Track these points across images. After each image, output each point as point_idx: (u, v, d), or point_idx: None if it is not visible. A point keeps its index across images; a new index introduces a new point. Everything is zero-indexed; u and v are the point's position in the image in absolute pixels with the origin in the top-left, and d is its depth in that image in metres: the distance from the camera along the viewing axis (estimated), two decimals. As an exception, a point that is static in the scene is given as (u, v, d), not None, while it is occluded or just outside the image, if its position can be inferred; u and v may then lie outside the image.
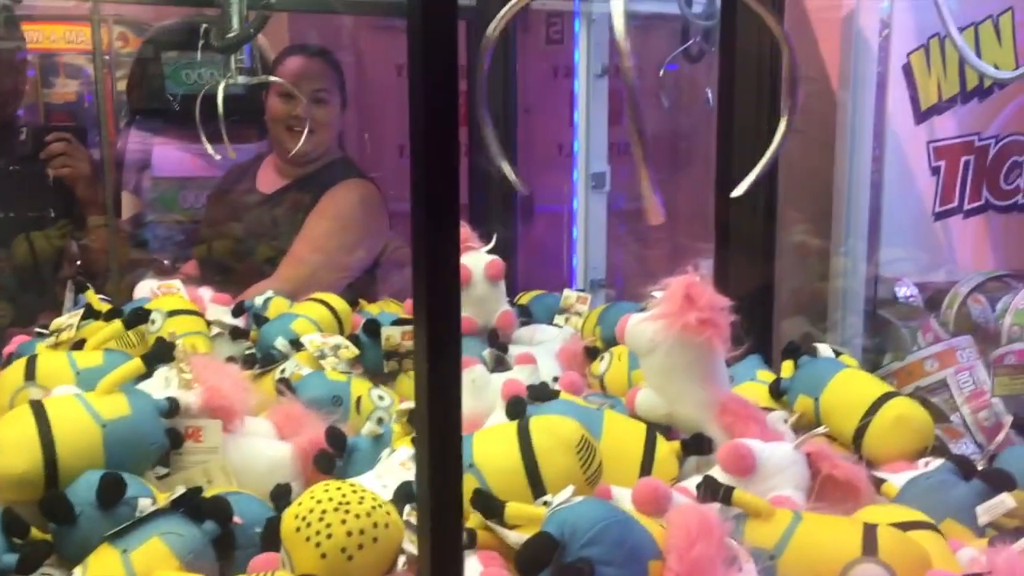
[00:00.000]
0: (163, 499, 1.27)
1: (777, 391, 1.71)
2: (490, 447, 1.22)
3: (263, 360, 1.95)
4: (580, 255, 2.77)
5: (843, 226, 2.10)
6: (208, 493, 1.35)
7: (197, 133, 3.58)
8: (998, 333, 2.11)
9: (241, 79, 2.57)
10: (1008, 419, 1.69)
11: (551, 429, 1.22)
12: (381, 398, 1.83)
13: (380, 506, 1.08)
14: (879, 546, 1.07)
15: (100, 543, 1.20)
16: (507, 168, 1.50)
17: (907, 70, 2.10)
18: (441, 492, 0.53)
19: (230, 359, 1.99)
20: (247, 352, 2.05)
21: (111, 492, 1.24)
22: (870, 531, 1.08)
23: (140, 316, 1.83)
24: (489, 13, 2.68)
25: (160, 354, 1.50)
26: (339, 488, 1.06)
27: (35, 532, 1.25)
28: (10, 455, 1.27)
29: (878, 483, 1.40)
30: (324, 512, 1.03)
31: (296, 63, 2.88)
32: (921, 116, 2.12)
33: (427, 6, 0.45)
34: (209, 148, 2.62)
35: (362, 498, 1.05)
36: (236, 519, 1.26)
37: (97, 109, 2.96)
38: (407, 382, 1.99)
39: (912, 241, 2.21)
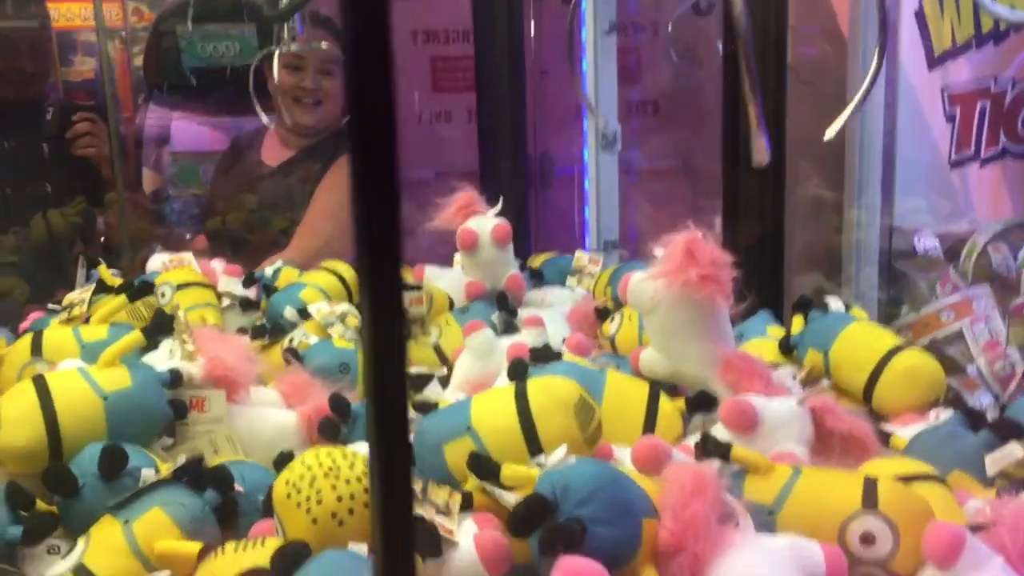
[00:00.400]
0: (166, 469, 1.28)
1: (787, 347, 1.69)
2: (488, 409, 1.21)
3: (272, 330, 1.96)
4: (592, 216, 2.74)
5: (856, 178, 2.06)
6: (214, 462, 1.36)
7: (215, 107, 3.59)
8: (1019, 282, 2.07)
9: (295, 46, 2.57)
10: (1022, 368, 1.65)
11: (548, 390, 1.21)
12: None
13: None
14: (879, 499, 1.05)
15: (103, 514, 1.20)
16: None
17: (919, 15, 2.04)
18: (387, 464, 0.52)
19: (240, 330, 2.00)
20: (257, 323, 2.05)
21: (112, 463, 1.24)
22: (870, 484, 1.06)
23: (143, 289, 1.83)
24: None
25: (160, 326, 1.50)
26: (329, 454, 1.06)
27: (40, 504, 1.26)
28: (13, 429, 1.28)
29: (886, 437, 1.38)
30: (314, 478, 1.03)
31: (302, 33, 2.86)
32: (935, 62, 2.06)
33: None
34: (264, 118, 2.62)
35: (352, 463, 1.04)
36: (238, 487, 1.27)
37: (103, 85, 2.96)
38: (415, 348, 1.99)
39: (928, 190, 2.16)
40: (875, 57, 1.46)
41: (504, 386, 1.26)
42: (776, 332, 1.76)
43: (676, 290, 1.40)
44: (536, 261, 2.52)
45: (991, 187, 2.14)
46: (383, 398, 0.51)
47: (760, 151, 1.45)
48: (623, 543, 0.98)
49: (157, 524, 1.17)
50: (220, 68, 3.47)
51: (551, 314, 2.04)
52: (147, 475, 1.26)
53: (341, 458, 1.05)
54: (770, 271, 1.91)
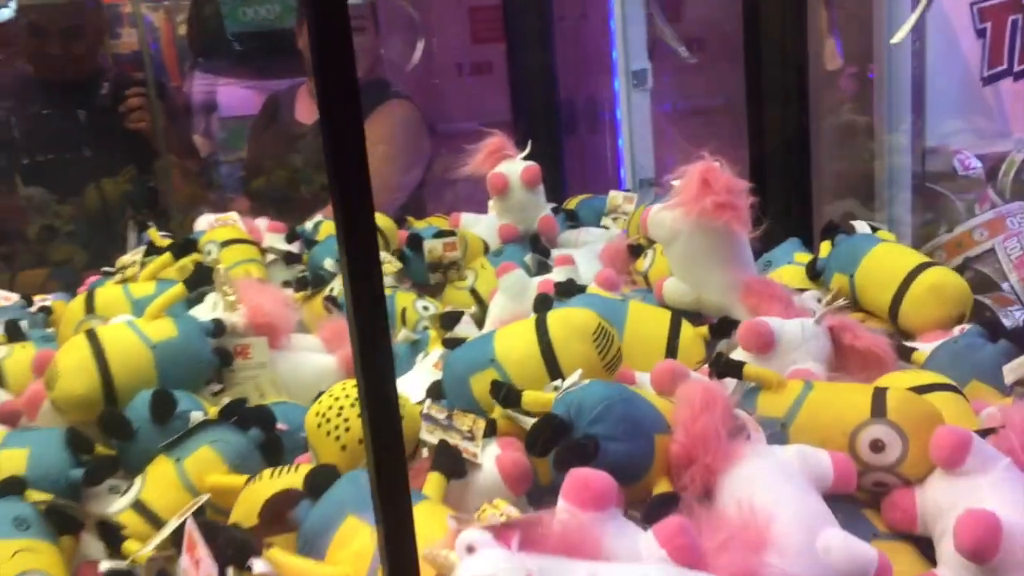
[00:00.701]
0: (213, 412, 1.36)
1: (814, 272, 1.71)
2: (510, 341, 1.26)
3: (314, 281, 2.02)
4: (627, 155, 2.75)
5: (885, 101, 2.04)
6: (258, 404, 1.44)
7: (260, 70, 3.65)
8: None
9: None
10: (1049, 280, 1.65)
11: (567, 319, 1.25)
12: (426, 308, 1.89)
13: (394, 399, 1.14)
14: (888, 407, 1.07)
15: (156, 454, 1.29)
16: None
17: (946, -71, 2.00)
18: (374, 397, 0.57)
19: (285, 283, 2.07)
20: (300, 275, 2.12)
21: (163, 407, 1.33)
22: (879, 394, 1.09)
23: (187, 246, 1.91)
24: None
25: (201, 278, 1.57)
26: (356, 386, 1.12)
27: (99, 448, 1.35)
28: (69, 379, 1.37)
29: (908, 352, 1.40)
30: (342, 408, 1.09)
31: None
32: (964, -23, 2.02)
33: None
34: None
35: (377, 392, 1.10)
36: (281, 426, 1.34)
37: (144, 58, 3.03)
38: (452, 292, 2.05)
39: (961, 109, 2.14)
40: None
41: (525, 319, 1.31)
42: (804, 258, 1.78)
43: (693, 219, 1.43)
44: (572, 203, 2.55)
45: (1027, 102, 2.11)
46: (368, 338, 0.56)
47: (831, 56, 1.46)
48: (636, 457, 1.03)
49: (206, 461, 1.25)
50: (262, 31, 3.52)
51: (584, 253, 2.08)
52: (196, 417, 1.35)
53: (366, 389, 1.11)
54: (799, 199, 1.92)
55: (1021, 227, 1.84)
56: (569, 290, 1.50)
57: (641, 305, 1.48)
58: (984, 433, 1.07)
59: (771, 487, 0.99)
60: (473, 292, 2.03)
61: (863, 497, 1.11)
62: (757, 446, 1.05)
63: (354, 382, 1.14)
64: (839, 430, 1.08)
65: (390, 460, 0.61)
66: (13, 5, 3.52)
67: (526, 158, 2.15)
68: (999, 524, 0.92)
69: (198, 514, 1.02)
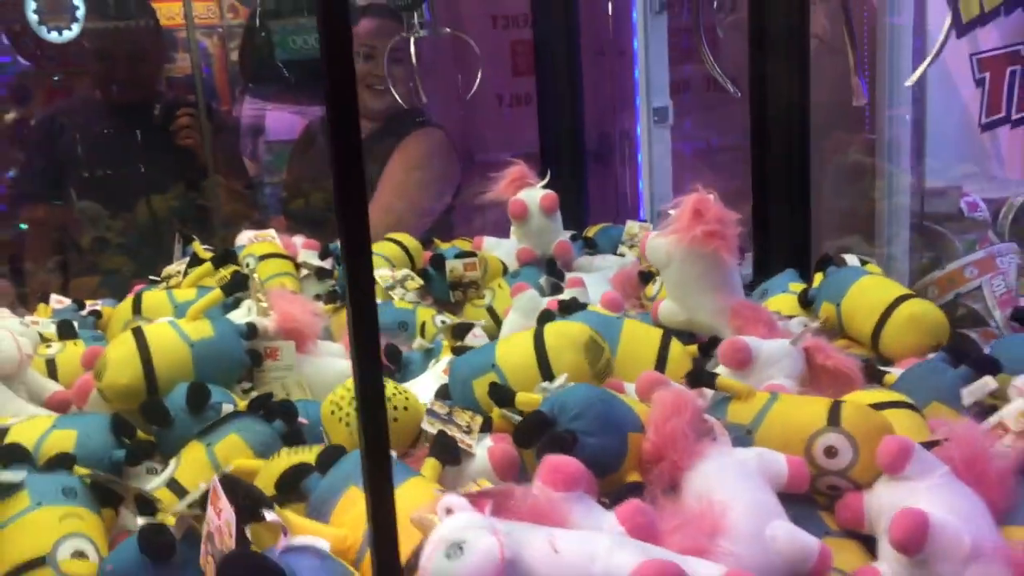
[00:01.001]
0: (243, 405, 1.50)
1: (805, 300, 1.82)
2: (510, 349, 1.40)
3: (343, 295, 2.17)
4: (646, 188, 2.89)
5: (885, 144, 2.16)
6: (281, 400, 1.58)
7: (307, 97, 3.83)
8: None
9: (422, 32, 2.75)
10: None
11: (562, 331, 1.38)
12: (443, 322, 2.03)
13: (400, 394, 1.28)
14: (842, 418, 1.19)
15: (190, 440, 1.43)
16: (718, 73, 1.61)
17: (946, -16, 2.11)
18: (367, 384, 0.70)
19: (316, 296, 2.23)
20: (330, 289, 2.27)
21: (198, 398, 1.47)
22: (836, 406, 1.21)
23: (227, 256, 2.07)
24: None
25: (236, 284, 1.73)
26: (366, 379, 1.26)
27: (140, 433, 1.50)
28: (116, 370, 1.53)
29: (881, 375, 1.51)
30: (353, 399, 1.23)
31: (372, 24, 3.08)
32: (963, 29, 2.13)
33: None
34: (422, 94, 2.76)
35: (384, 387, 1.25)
36: (302, 420, 1.48)
37: (196, 81, 3.22)
38: (471, 309, 2.19)
39: (961, 154, 2.24)
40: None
41: (526, 330, 1.44)
42: (798, 287, 1.89)
43: (686, 245, 1.55)
44: (591, 231, 2.68)
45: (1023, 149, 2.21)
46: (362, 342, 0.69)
47: (858, 94, 1.58)
48: (610, 451, 1.15)
49: (234, 446, 1.40)
50: (309, 59, 3.70)
51: (596, 277, 2.21)
52: (226, 409, 1.49)
53: (376, 383, 1.25)
54: (799, 234, 2.03)
55: (1009, 267, 1.94)
56: (571, 307, 1.63)
57: (636, 323, 1.60)
58: (929, 445, 1.18)
59: (729, 482, 1.11)
60: (490, 310, 2.17)
61: (819, 500, 1.22)
62: (721, 447, 1.17)
63: (365, 377, 1.28)
64: (798, 437, 1.20)
65: (375, 436, 0.74)
66: (76, 27, 3.75)
67: (546, 187, 2.29)
68: (927, 521, 1.03)
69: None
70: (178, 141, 3.14)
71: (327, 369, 1.76)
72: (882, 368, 1.54)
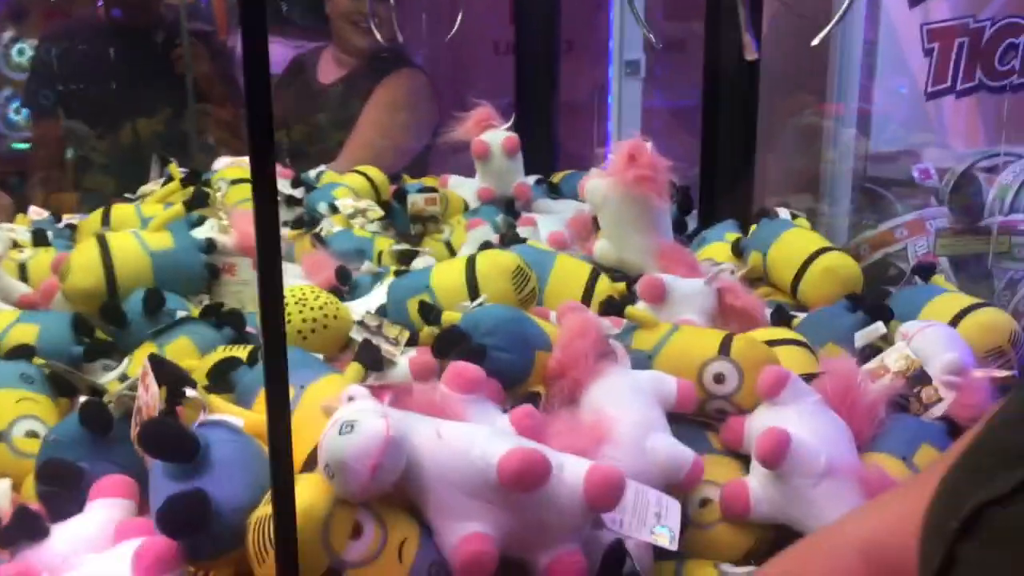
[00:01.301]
0: (195, 312, 1.61)
1: (737, 249, 1.93)
2: (444, 273, 1.51)
3: (309, 222, 2.28)
4: (614, 138, 2.98)
5: (834, 108, 2.25)
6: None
7: (299, 30, 3.90)
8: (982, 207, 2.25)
9: None
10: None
11: (493, 259, 1.49)
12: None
13: (330, 303, 1.39)
14: (732, 348, 1.31)
15: (144, 340, 1.55)
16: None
17: (902, -44, 2.20)
18: (266, 292, 0.80)
19: (284, 222, 2.33)
20: (297, 216, 2.38)
21: (152, 302, 1.59)
22: (728, 338, 1.32)
23: (193, 177, 2.16)
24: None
25: (197, 200, 1.83)
26: (301, 289, 1.38)
27: (99, 333, 1.61)
28: (79, 274, 1.63)
29: (789, 318, 1.62)
30: (287, 305, 1.34)
31: (358, -41, 3.15)
32: (915, 0, 2.22)
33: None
34: (398, 34, 2.83)
35: (318, 296, 1.36)
36: (250, 328, 1.59)
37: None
38: (430, 242, 2.29)
39: (908, 122, 2.34)
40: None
41: (460, 257, 1.55)
42: (733, 237, 2.00)
43: (620, 188, 1.66)
44: (557, 177, 2.78)
45: (966, 119, 2.30)
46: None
47: (748, 50, 1.67)
48: (517, 365, 1.27)
49: (182, 348, 1.51)
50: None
51: (553, 219, 2.31)
52: (181, 315, 1.60)
53: (310, 293, 1.37)
54: (743, 187, 2.14)
55: (934, 229, 2.05)
56: (512, 240, 1.74)
57: (568, 258, 1.71)
58: (809, 377, 1.30)
59: (621, 398, 1.23)
60: (447, 244, 2.27)
61: (710, 423, 1.34)
62: (620, 368, 1.29)
63: (301, 286, 1.39)
64: (692, 364, 1.32)
65: (273, 334, 0.85)
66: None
67: (509, 129, 2.39)
68: (789, 439, 1.15)
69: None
70: (177, 70, 3.21)
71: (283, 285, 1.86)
72: (792, 313, 1.65)
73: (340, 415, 0.95)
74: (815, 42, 1.59)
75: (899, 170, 2.50)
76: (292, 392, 1.12)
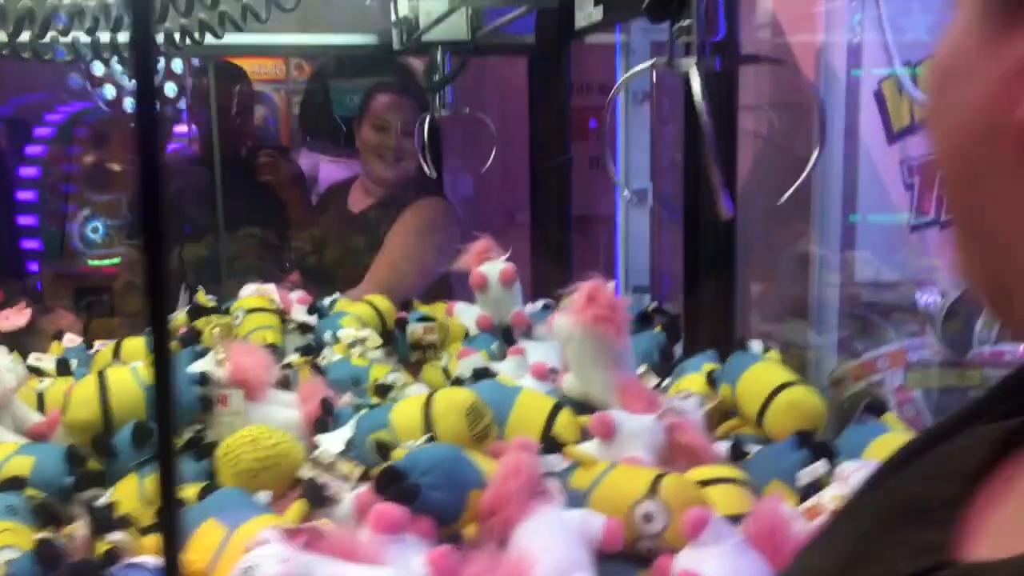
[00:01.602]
0: (179, 443, 1.72)
1: (711, 380, 1.98)
2: (403, 410, 1.60)
3: (317, 349, 2.40)
4: (622, 263, 3.07)
5: (818, 239, 2.31)
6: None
7: (358, 152, 4.15)
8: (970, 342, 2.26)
9: (444, 112, 3.01)
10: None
11: (448, 396, 1.58)
12: (395, 381, 2.23)
13: (283, 442, 1.49)
14: (661, 489, 1.36)
15: (130, 471, 1.66)
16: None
17: (878, 96, 2.27)
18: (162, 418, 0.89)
19: (296, 349, 2.46)
20: (308, 344, 2.50)
21: (140, 436, 1.70)
22: (658, 478, 1.37)
23: (199, 311, 2.31)
24: (547, 50, 3.05)
25: (189, 338, 1.97)
26: (258, 429, 1.48)
27: (92, 463, 1.73)
28: (77, 408, 1.77)
29: (744, 454, 1.66)
30: (240, 445, 1.44)
31: (387, 98, 3.36)
32: (894, 137, 2.29)
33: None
34: (427, 168, 3.03)
35: (270, 436, 1.46)
36: (229, 460, 1.70)
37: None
38: (429, 370, 2.39)
39: (891, 252, 2.38)
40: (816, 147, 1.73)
41: (420, 394, 1.64)
42: (710, 368, 2.05)
43: (581, 327, 1.74)
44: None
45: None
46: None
47: (722, 210, 1.76)
48: (449, 505, 1.34)
49: (162, 480, 1.61)
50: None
51: (544, 347, 2.39)
52: (166, 447, 1.71)
53: (263, 434, 1.46)
54: (724, 319, 2.20)
55: (915, 360, 2.07)
56: (480, 375, 1.83)
57: (532, 393, 1.78)
58: (734, 518, 1.34)
59: (546, 537, 1.29)
60: (444, 371, 2.37)
61: (640, 561, 1.38)
62: (551, 507, 1.35)
63: (258, 427, 1.49)
64: (623, 502, 1.37)
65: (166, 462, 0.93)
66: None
67: (506, 260, 2.50)
68: (698, 583, 1.19)
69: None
70: (259, 177, 3.45)
71: (273, 416, 1.96)
72: (751, 447, 1.69)
73: (245, 559, 1.03)
74: (781, 200, 1.67)
75: (903, 297, 2.53)
76: (223, 532, 1.21)
